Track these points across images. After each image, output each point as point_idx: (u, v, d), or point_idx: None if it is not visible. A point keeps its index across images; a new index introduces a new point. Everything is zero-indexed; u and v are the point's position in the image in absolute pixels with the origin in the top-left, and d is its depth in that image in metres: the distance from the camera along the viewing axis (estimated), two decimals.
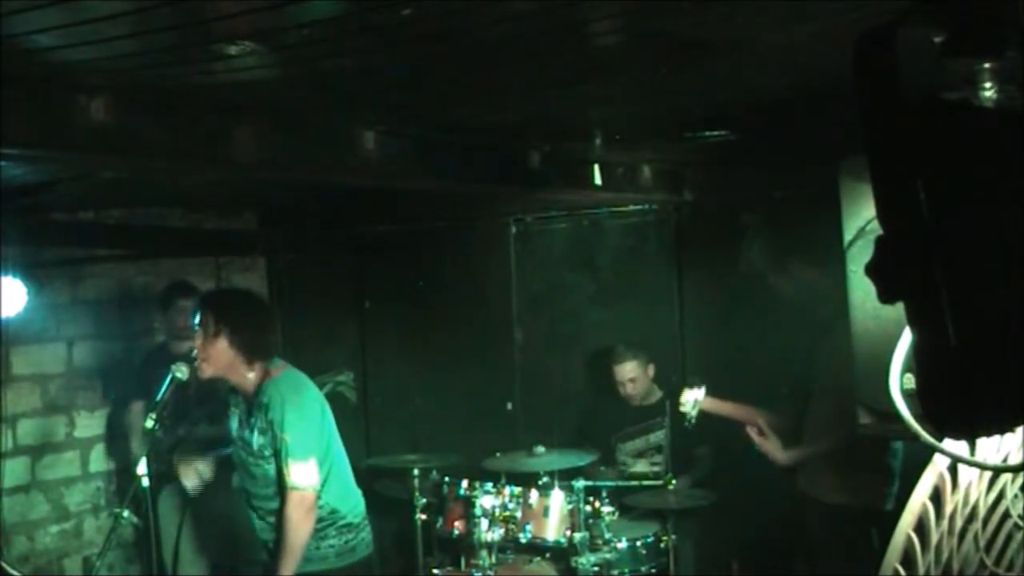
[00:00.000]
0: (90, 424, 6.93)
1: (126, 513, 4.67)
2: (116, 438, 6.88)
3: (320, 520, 4.65)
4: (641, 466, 6.38)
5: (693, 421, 5.60)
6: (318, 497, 4.61)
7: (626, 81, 3.80)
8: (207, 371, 4.70)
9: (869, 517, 4.91)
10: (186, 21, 2.74)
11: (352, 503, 4.85)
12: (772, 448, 5.35)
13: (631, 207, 6.70)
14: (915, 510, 3.74)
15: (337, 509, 4.74)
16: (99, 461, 6.98)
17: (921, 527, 3.73)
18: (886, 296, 1.77)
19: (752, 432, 5.40)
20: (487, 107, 4.22)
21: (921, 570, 3.69)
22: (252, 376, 4.69)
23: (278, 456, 4.56)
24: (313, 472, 4.55)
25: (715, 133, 4.85)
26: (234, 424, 4.83)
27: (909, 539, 3.72)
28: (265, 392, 4.63)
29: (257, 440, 4.65)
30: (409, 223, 7.30)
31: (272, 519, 4.69)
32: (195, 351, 4.72)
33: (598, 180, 5.71)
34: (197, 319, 4.71)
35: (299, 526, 4.54)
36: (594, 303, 6.92)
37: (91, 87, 3.40)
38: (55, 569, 6.76)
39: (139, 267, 7.05)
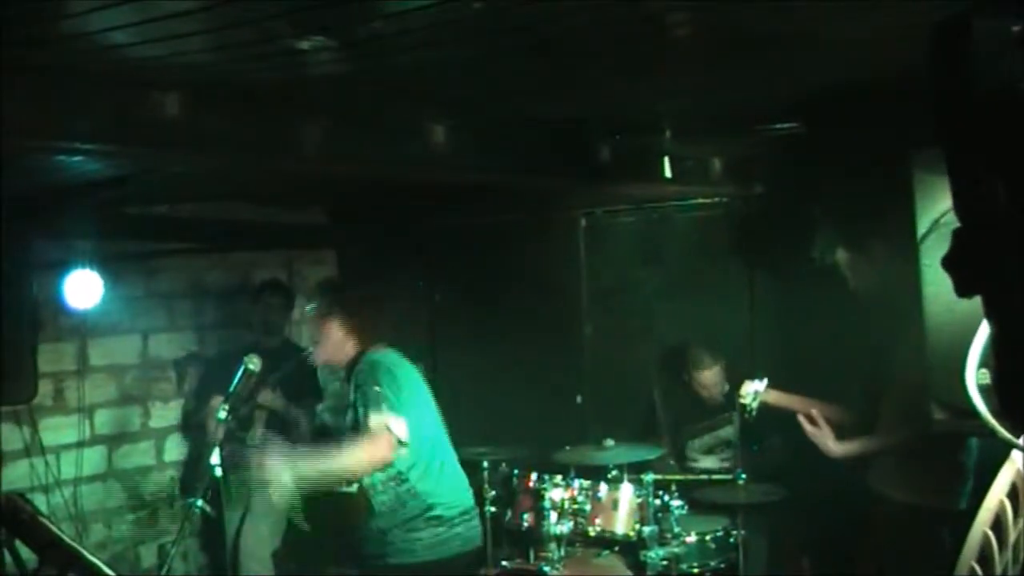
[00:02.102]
0: (164, 415, 7.03)
1: (200, 502, 4.73)
2: (191, 429, 6.96)
3: (408, 506, 4.72)
4: (710, 462, 6.35)
5: (754, 413, 5.54)
6: (404, 477, 4.69)
7: (696, 74, 3.78)
8: (321, 356, 4.94)
9: (941, 516, 4.83)
10: (256, 17, 2.76)
11: (448, 496, 4.87)
12: (823, 438, 5.21)
13: (701, 200, 6.65)
14: (992, 508, 3.67)
15: (429, 501, 4.78)
16: (173, 451, 7.08)
17: (998, 525, 3.66)
18: (963, 289, 1.73)
19: (803, 421, 5.27)
20: (556, 100, 4.21)
21: (998, 569, 3.63)
22: (352, 357, 4.88)
23: (365, 409, 4.65)
24: (402, 426, 4.60)
25: (785, 126, 4.80)
26: (328, 415, 4.95)
27: (986, 537, 3.65)
28: (359, 365, 4.81)
29: (351, 416, 4.77)
30: (479, 216, 7.30)
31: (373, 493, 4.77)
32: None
33: (668, 173, 5.67)
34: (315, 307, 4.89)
35: (367, 459, 4.61)
36: (664, 297, 6.87)
37: (164, 83, 3.45)
38: (131, 557, 6.87)
39: (211, 261, 7.13)
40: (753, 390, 5.55)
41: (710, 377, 6.28)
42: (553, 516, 5.78)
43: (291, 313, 6.96)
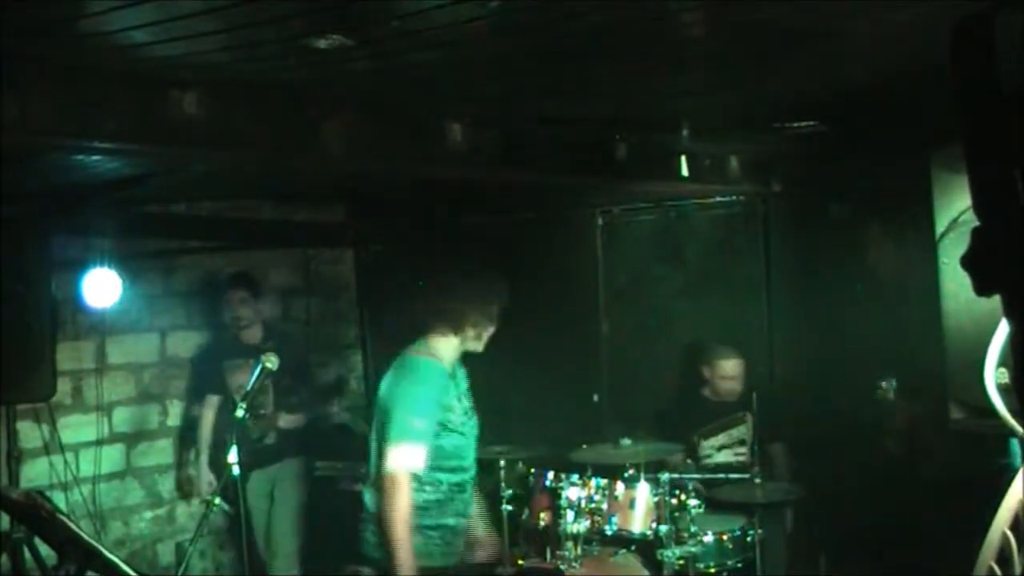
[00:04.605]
0: (182, 413, 7.06)
1: (217, 500, 4.74)
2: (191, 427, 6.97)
3: None
4: (724, 457, 6.35)
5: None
6: None
7: (714, 72, 3.77)
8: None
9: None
10: (275, 16, 2.77)
11: None
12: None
13: (718, 199, 6.64)
14: (1011, 508, 3.65)
15: None
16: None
17: (1017, 525, 3.64)
18: (982, 288, 1.73)
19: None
20: (574, 99, 4.21)
21: (1018, 569, 3.61)
22: None
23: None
24: None
25: (803, 124, 4.79)
26: (454, 400, 5.15)
27: (1005, 537, 3.63)
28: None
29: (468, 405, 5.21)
30: (496, 214, 7.30)
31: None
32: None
33: (685, 171, 5.66)
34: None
35: None
36: (681, 295, 6.86)
37: (183, 82, 3.46)
38: (149, 554, 6.90)
39: (230, 259, 7.14)
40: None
41: (730, 368, 6.29)
42: (570, 515, 5.77)
43: (260, 305, 6.83)
